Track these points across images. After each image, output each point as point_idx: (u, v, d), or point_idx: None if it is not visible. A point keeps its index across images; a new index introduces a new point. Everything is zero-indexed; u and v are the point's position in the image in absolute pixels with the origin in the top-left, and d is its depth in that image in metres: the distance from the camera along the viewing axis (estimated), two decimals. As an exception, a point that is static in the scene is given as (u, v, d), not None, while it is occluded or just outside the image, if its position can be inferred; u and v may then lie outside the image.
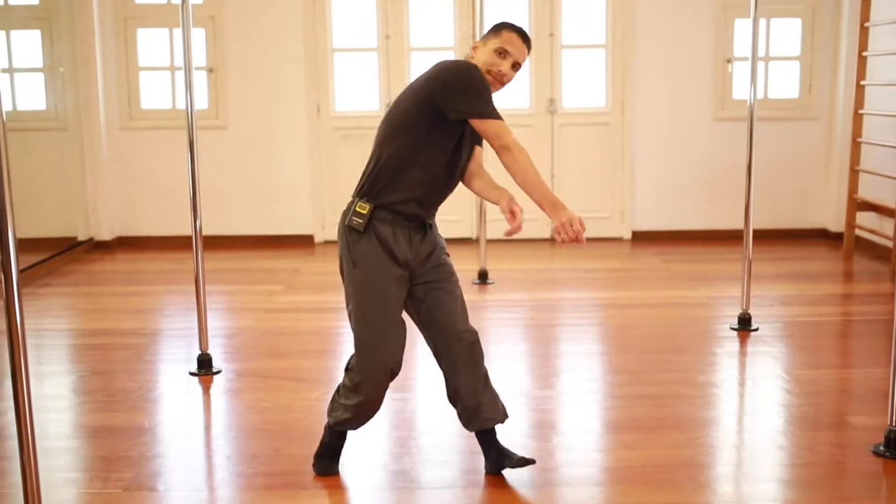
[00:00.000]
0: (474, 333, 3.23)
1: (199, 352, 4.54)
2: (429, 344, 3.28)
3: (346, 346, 5.10)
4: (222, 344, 4.99)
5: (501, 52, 3.11)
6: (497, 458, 3.29)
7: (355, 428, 3.35)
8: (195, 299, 4.55)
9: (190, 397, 4.27)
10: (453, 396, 3.27)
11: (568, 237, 2.86)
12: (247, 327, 5.42)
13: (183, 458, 3.56)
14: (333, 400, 3.32)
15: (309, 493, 3.22)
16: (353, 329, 3.16)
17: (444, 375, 3.26)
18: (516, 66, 3.15)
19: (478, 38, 6.24)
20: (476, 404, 3.22)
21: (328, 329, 5.36)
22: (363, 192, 3.10)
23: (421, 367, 4.49)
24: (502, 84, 3.15)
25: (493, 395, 3.28)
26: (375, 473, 3.38)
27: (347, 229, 3.11)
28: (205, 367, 4.51)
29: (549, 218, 2.89)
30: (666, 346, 4.92)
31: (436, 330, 3.21)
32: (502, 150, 2.95)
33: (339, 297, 6.15)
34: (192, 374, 4.49)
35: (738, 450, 3.60)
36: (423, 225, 3.17)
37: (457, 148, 3.10)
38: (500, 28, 3.17)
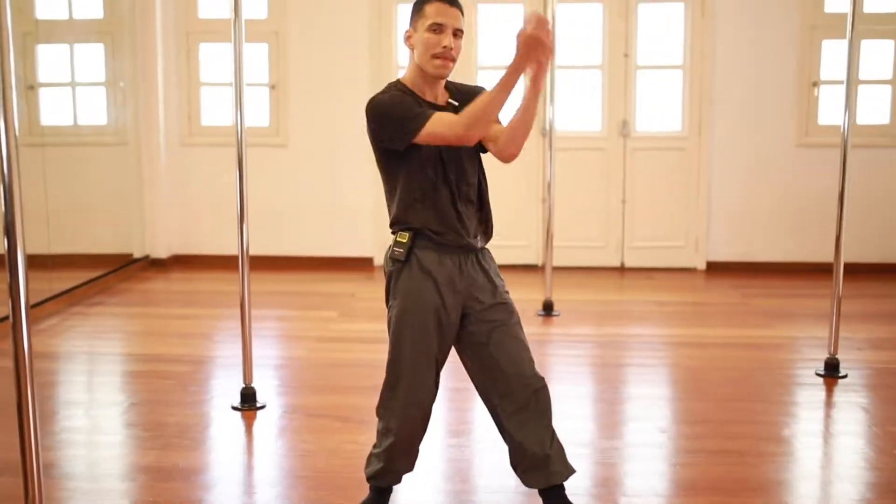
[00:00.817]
0: (542, 380, 2.94)
1: (244, 385, 4.29)
2: (484, 395, 2.99)
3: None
4: (270, 375, 4.74)
5: (435, 28, 2.81)
6: None
7: (391, 480, 3.08)
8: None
9: (229, 435, 4.00)
10: (517, 453, 2.96)
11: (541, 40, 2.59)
12: (297, 357, 5.16)
13: (216, 507, 3.29)
14: (370, 453, 3.09)
15: (348, 556, 2.93)
16: (387, 363, 2.99)
17: (505, 431, 2.97)
18: (458, 33, 2.84)
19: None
20: (544, 457, 2.92)
21: (383, 362, 5.04)
22: (393, 222, 2.94)
23: (479, 406, 4.17)
24: (454, 59, 2.84)
25: (561, 448, 2.98)
26: (423, 534, 3.08)
27: (390, 262, 2.95)
28: (248, 401, 4.25)
29: (522, 68, 2.64)
30: (746, 393, 4.52)
31: (499, 376, 2.92)
32: (459, 139, 2.75)
33: (395, 328, 5.92)
34: (234, 408, 4.24)
35: (830, 520, 3.22)
36: (473, 252, 2.93)
37: (440, 168, 2.86)
38: (420, 5, 2.87)
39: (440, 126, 2.75)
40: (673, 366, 5.09)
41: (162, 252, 7.65)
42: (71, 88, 7.17)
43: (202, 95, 7.64)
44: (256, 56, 7.50)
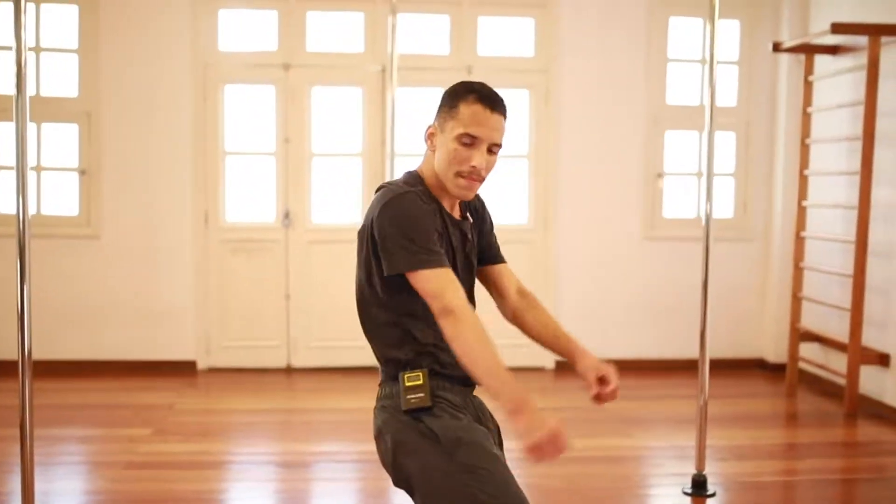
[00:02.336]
0: None
1: (23, 538, 3.52)
2: None
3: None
4: (61, 518, 3.97)
5: (466, 140, 2.21)
6: None
7: None
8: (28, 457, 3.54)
9: None
10: None
11: (545, 458, 2.04)
12: (98, 492, 4.37)
13: None
14: None
15: None
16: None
17: None
18: (494, 148, 2.25)
19: (389, 144, 5.45)
20: None
21: (202, 495, 4.35)
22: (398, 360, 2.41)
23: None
24: (481, 180, 2.28)
25: None
26: None
27: (403, 411, 2.31)
28: (29, 559, 3.49)
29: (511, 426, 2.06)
30: (611, 521, 4.08)
31: None
32: (441, 314, 2.16)
33: (219, 446, 5.22)
34: (10, 568, 3.47)
35: None
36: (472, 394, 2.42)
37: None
38: (455, 100, 2.26)
39: (442, 285, 2.19)
40: (531, 488, 4.59)
41: (-52, 358, 6.68)
42: None
43: (-5, 180, 6.80)
44: (65, 138, 6.75)
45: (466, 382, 2.35)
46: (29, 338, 3.55)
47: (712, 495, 4.34)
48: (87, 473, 4.70)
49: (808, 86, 6.58)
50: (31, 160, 6.66)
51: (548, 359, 7.15)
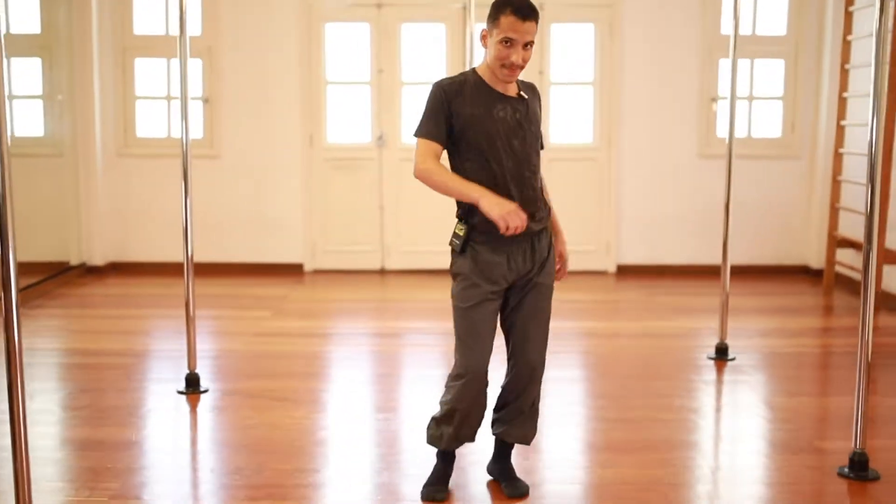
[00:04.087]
0: (541, 365, 3.39)
1: (188, 371, 4.63)
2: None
3: (333, 369, 5.25)
4: (210, 365, 5.08)
5: (507, 42, 3.06)
6: (502, 472, 3.48)
7: (451, 442, 3.36)
8: (184, 321, 4.66)
9: (177, 414, 4.36)
10: (499, 407, 3.47)
11: (511, 225, 3.00)
12: (234, 350, 5.51)
13: (168, 471, 3.65)
14: (430, 425, 3.42)
15: (290, 505, 3.32)
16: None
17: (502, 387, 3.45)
18: (529, 45, 3.10)
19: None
20: (510, 420, 3.43)
21: (315, 353, 5.46)
22: (458, 214, 3.27)
23: (404, 389, 4.60)
24: (521, 68, 3.13)
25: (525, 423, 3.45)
26: (359, 487, 3.47)
27: (450, 248, 3.29)
28: (192, 385, 4.60)
29: (484, 211, 3.03)
30: (645, 373, 5.03)
31: (513, 349, 3.39)
32: (415, 171, 3.16)
33: (326, 323, 6.31)
34: (179, 392, 4.58)
35: (712, 471, 3.70)
36: (529, 238, 3.26)
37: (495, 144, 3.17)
38: (497, 14, 3.07)
39: (418, 150, 3.15)
40: (583, 353, 5.58)
41: (98, 259, 7.91)
42: (9, 101, 7.38)
43: (137, 108, 7.94)
44: (191, 71, 7.80)
45: (502, 240, 3.20)
46: (192, 231, 4.62)
47: (732, 359, 5.24)
48: (225, 339, 5.81)
49: (848, 16, 7.27)
50: (175, 92, 7.79)
51: (610, 263, 8.06)
